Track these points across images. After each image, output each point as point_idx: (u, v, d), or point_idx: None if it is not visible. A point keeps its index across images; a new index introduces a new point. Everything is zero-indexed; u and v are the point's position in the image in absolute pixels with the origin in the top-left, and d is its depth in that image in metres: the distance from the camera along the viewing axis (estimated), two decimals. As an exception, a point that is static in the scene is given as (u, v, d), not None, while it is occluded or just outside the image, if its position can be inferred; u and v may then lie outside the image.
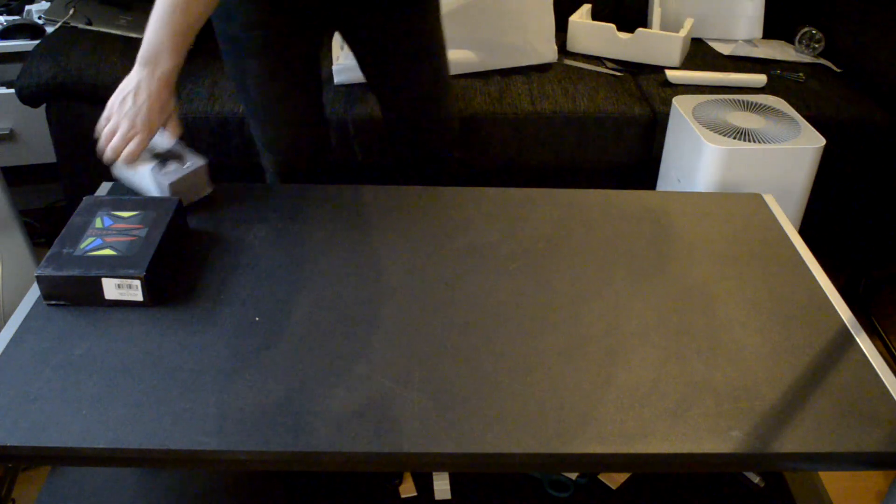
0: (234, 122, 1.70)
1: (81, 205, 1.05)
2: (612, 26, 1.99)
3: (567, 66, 1.93)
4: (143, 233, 0.99)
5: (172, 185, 1.10)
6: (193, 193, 1.15)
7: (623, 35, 1.98)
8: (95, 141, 1.75)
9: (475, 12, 1.82)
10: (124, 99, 1.08)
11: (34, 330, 0.91)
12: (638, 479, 1.11)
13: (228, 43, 1.28)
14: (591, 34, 2.02)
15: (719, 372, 0.88)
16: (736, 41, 2.14)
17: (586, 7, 2.10)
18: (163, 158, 1.13)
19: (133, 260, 0.94)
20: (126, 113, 1.08)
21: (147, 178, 1.11)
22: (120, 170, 1.15)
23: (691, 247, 1.10)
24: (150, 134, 1.09)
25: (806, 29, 2.07)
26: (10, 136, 1.89)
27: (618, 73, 1.92)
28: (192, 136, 1.68)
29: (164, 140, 1.16)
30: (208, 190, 1.17)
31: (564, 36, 2.07)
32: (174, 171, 1.11)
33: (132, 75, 1.10)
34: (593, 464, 0.80)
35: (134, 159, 1.08)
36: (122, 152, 1.08)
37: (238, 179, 1.80)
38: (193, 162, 1.13)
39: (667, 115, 1.72)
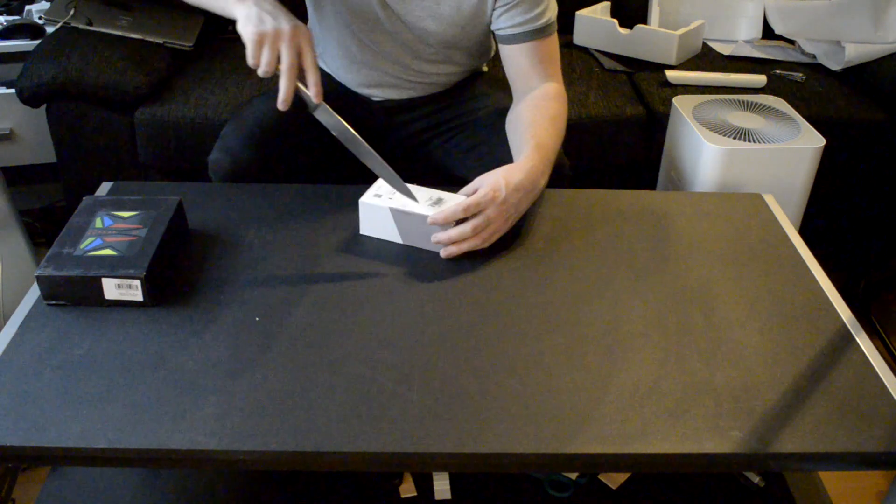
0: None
1: (81, 205, 1.05)
2: (615, 21, 2.00)
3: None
4: (143, 233, 0.99)
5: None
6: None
7: (623, 31, 1.99)
8: (95, 141, 1.74)
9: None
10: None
11: (34, 330, 0.91)
12: (638, 479, 1.11)
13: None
14: (595, 29, 2.04)
15: (719, 372, 0.88)
16: (736, 41, 2.14)
17: (603, 5, 2.11)
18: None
19: (133, 260, 0.94)
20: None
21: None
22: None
23: (691, 247, 1.10)
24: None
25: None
26: (10, 136, 1.89)
27: (616, 69, 1.92)
28: (195, 139, 1.68)
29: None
30: None
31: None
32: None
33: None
34: (593, 464, 0.80)
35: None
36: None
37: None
38: None
39: (667, 116, 1.72)
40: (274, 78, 1.02)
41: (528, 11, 1.21)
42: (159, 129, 1.68)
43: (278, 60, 1.00)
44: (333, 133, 1.07)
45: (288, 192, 1.20)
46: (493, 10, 1.24)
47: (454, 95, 1.42)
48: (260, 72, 1.00)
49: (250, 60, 1.00)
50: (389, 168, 1.07)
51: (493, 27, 1.27)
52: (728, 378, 0.87)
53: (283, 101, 1.00)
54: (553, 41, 1.26)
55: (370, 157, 1.07)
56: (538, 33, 1.23)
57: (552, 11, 1.24)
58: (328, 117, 1.06)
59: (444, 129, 1.41)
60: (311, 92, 1.03)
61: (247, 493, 1.07)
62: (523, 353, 0.90)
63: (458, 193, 1.08)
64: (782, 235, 1.13)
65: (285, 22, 1.00)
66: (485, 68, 1.52)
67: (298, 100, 1.04)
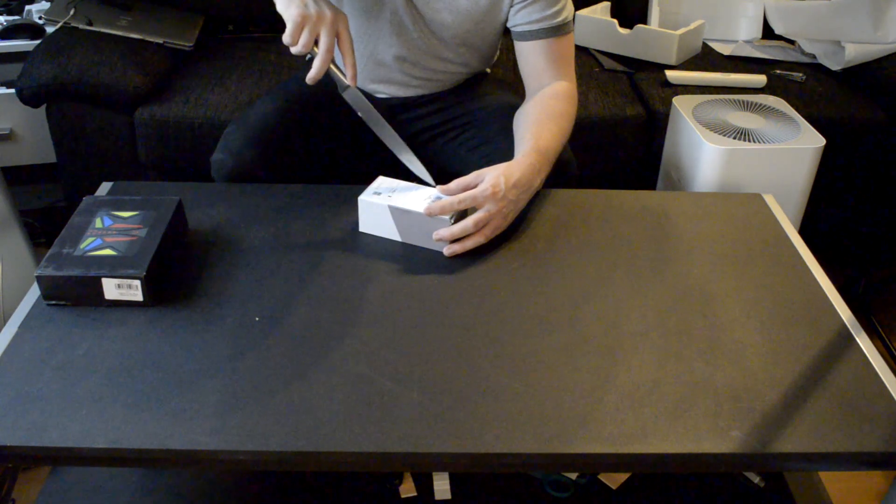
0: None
1: (81, 205, 1.05)
2: (615, 21, 2.00)
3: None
4: (143, 233, 0.99)
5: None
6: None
7: (623, 31, 1.99)
8: (95, 141, 1.73)
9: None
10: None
11: (34, 330, 0.91)
12: (638, 479, 1.11)
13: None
14: (595, 29, 2.04)
15: (719, 372, 0.88)
16: (736, 41, 2.14)
17: (603, 5, 2.11)
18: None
19: (133, 260, 0.94)
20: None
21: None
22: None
23: (691, 247, 1.10)
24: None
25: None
26: (10, 136, 1.89)
27: (616, 69, 1.91)
28: (195, 139, 1.68)
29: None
30: None
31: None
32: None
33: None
34: (593, 464, 0.80)
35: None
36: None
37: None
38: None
39: (667, 116, 1.72)
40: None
41: (546, 9, 1.23)
42: (159, 129, 1.68)
43: (315, 42, 1.06)
44: (360, 114, 1.14)
45: (288, 191, 1.20)
46: (511, 6, 1.26)
47: (459, 94, 1.43)
48: (294, 50, 1.06)
49: (287, 39, 1.05)
50: (411, 153, 1.12)
51: (509, 23, 1.29)
52: (728, 378, 0.87)
53: (312, 77, 1.06)
54: (569, 40, 1.27)
55: (393, 141, 1.13)
56: (554, 31, 1.24)
57: (569, 11, 1.26)
58: (356, 99, 1.13)
59: (449, 128, 1.42)
60: (348, 74, 1.11)
61: (247, 493, 1.07)
62: (523, 353, 0.90)
63: (457, 182, 1.08)
64: (782, 235, 1.13)
65: (327, 7, 1.06)
66: (487, 70, 1.52)
67: (325, 79, 1.11)
